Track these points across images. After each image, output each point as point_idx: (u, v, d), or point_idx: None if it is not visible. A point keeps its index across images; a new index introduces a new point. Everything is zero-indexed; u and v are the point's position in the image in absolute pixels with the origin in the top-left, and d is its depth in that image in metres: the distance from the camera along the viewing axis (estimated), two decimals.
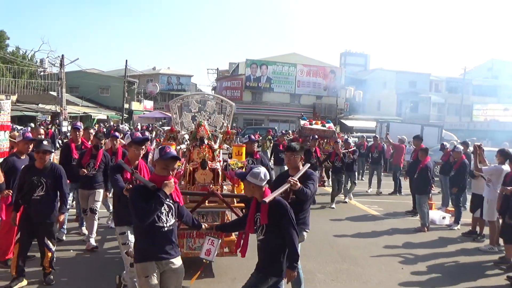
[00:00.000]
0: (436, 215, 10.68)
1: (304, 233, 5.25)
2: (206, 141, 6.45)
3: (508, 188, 6.84)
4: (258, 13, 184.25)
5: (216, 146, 6.74)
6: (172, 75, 61.90)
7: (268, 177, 4.26)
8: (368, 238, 9.03)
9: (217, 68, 59.62)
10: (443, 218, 10.65)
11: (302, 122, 15.32)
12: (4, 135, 7.72)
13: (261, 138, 22.32)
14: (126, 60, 52.07)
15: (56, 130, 27.11)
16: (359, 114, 49.07)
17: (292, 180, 4.65)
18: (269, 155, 16.64)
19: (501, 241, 7.98)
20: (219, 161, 6.48)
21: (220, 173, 6.20)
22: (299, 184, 4.72)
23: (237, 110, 49.73)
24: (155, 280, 3.91)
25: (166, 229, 3.97)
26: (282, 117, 49.28)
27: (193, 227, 4.67)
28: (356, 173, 14.37)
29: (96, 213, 7.29)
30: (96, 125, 31.68)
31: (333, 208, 11.73)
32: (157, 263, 3.94)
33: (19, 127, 17.14)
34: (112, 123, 38.60)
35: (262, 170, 4.24)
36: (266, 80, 50.91)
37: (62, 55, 33.13)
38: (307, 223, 5.27)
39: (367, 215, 11.42)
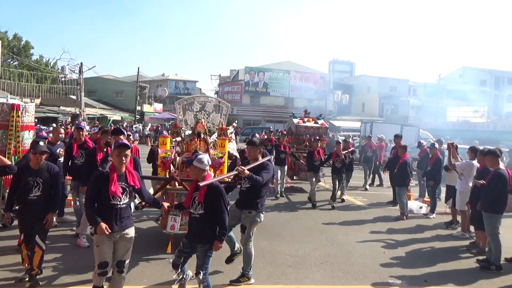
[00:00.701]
0: (414, 205, 10.71)
1: (262, 215, 5.51)
2: (202, 135, 7.00)
3: (480, 181, 6.84)
4: (256, 26, 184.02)
5: (210, 140, 7.12)
6: (179, 80, 61.77)
7: (210, 163, 4.74)
8: (353, 225, 9.04)
9: (220, 74, 59.41)
10: (420, 207, 10.68)
11: (295, 120, 14.00)
12: (28, 134, 7.70)
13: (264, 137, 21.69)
14: (138, 67, 52.12)
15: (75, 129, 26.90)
16: (346, 115, 49.12)
17: (239, 169, 5.00)
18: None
19: (472, 228, 7.99)
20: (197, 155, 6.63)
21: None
22: (246, 172, 4.99)
23: (237, 111, 49.93)
24: (105, 248, 4.22)
25: (119, 206, 4.26)
26: (277, 118, 49.22)
27: (153, 205, 4.90)
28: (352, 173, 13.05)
29: None
30: (112, 125, 31.55)
31: (334, 207, 10.66)
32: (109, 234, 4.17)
33: (42, 127, 17.08)
34: (125, 123, 38.48)
35: (205, 156, 4.61)
36: (263, 85, 50.85)
37: (81, 63, 33.05)
38: (263, 206, 5.53)
39: (353, 205, 11.42)
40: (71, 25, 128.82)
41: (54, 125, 23.41)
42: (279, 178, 11.84)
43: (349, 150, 11.81)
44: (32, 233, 5.00)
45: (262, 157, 5.58)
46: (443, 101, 51.72)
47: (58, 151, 7.47)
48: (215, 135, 7.38)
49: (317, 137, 12.25)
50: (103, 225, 4.10)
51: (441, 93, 51.87)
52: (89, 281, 5.19)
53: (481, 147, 8.90)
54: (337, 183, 11.03)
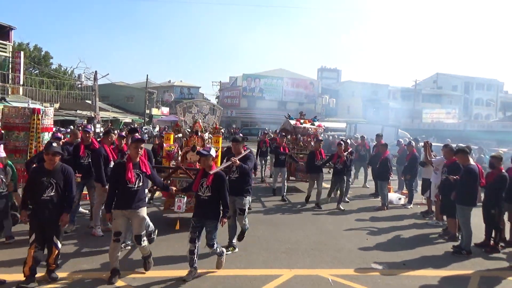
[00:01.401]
0: (393, 197, 10.71)
1: (249, 197, 6.12)
2: (199, 133, 7.60)
3: (454, 177, 6.85)
4: (253, 37, 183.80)
5: (206, 137, 7.70)
6: (184, 86, 61.42)
7: (214, 153, 5.31)
8: (340, 215, 9.04)
9: (220, 81, 59.27)
10: (399, 199, 10.68)
11: (292, 121, 12.70)
12: (48, 136, 7.65)
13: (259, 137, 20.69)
14: (147, 75, 52.00)
15: None
16: (333, 117, 49.07)
17: (232, 159, 5.68)
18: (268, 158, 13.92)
19: (445, 216, 8.00)
20: (208, 147, 7.08)
21: None
22: (238, 162, 5.71)
23: (235, 114, 49.90)
24: (119, 222, 4.77)
25: (133, 189, 4.77)
26: (272, 120, 49.21)
27: (163, 189, 5.51)
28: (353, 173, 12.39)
29: None
30: (124, 127, 31.43)
31: (343, 209, 9.45)
32: (122, 211, 4.77)
33: (62, 129, 16.97)
34: (135, 125, 38.33)
35: (213, 150, 5.30)
36: (259, 90, 50.84)
37: (96, 71, 32.79)
38: (250, 191, 6.12)
39: None
40: (87, 37, 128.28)
41: (72, 127, 23.27)
42: (278, 179, 10.81)
43: (349, 151, 10.43)
44: (48, 235, 4.62)
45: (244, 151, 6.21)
46: (419, 104, 51.84)
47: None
48: (207, 134, 7.92)
49: (319, 138, 10.83)
50: (108, 215, 4.84)
51: (417, 97, 51.97)
52: (104, 268, 5.17)
53: (453, 145, 8.94)
54: (336, 184, 9.95)
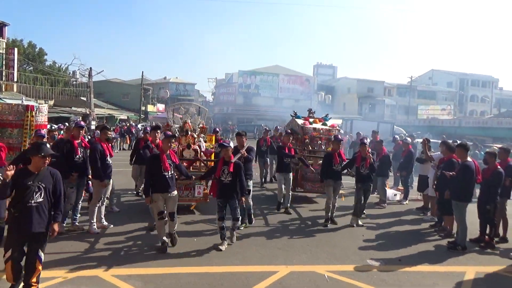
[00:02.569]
0: (389, 193, 10.71)
1: (251, 182, 7.37)
2: (189, 132, 8.40)
3: (450, 173, 6.86)
4: (248, 34, 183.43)
5: (195, 135, 8.58)
6: (179, 83, 61.13)
7: (232, 146, 6.58)
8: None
9: (216, 78, 59.35)
10: (395, 195, 10.70)
11: (299, 121, 10.56)
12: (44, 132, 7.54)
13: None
14: (142, 72, 51.43)
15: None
16: (329, 114, 49.10)
17: (242, 151, 6.70)
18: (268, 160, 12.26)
19: None
20: (198, 145, 8.16)
21: (198, 150, 8.17)
22: (245, 153, 6.81)
23: (231, 111, 49.88)
24: (160, 203, 5.72)
25: (167, 176, 5.76)
26: (268, 116, 49.24)
27: (187, 177, 6.59)
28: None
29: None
30: (129, 124, 31.25)
31: (362, 225, 7.75)
32: (161, 194, 5.73)
33: (54, 126, 16.81)
34: (131, 122, 38.15)
35: (231, 142, 6.64)
36: (255, 87, 50.85)
37: (90, 68, 32.57)
38: (252, 175, 7.47)
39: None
40: (81, 33, 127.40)
41: (67, 124, 23.10)
42: (283, 189, 8.70)
43: (369, 151, 8.18)
44: (32, 247, 4.03)
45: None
46: (414, 100, 52.05)
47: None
48: (197, 131, 8.84)
49: (339, 136, 8.65)
50: (148, 198, 5.73)
51: (413, 93, 52.16)
52: (101, 265, 5.15)
53: (450, 141, 8.96)
54: (362, 194, 7.86)
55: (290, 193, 8.75)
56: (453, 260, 6.10)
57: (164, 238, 5.79)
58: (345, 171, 8.27)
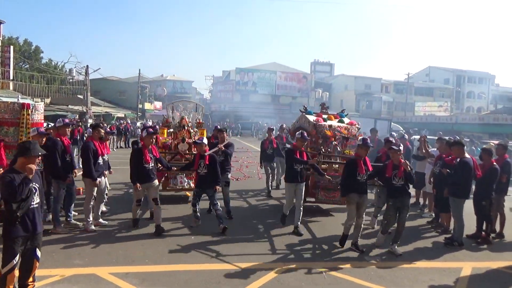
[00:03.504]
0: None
1: (229, 173, 8.08)
2: (186, 127, 9.23)
3: (445, 170, 6.87)
4: (246, 31, 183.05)
5: (191, 130, 9.30)
6: (176, 81, 60.99)
7: (206, 141, 7.15)
8: (334, 208, 8.91)
9: (213, 75, 59.23)
10: None
11: (310, 117, 8.74)
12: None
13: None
14: (139, 69, 51.51)
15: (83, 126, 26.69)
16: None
17: (219, 146, 7.53)
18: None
19: None
20: (201, 138, 8.29)
21: (192, 144, 8.65)
22: (223, 148, 7.56)
23: (228, 108, 49.76)
24: (140, 192, 6.63)
25: (148, 168, 6.54)
26: (265, 114, 49.24)
27: (167, 169, 7.45)
28: None
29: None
30: (116, 123, 31.19)
31: (399, 254, 6.02)
32: (143, 184, 6.50)
33: (51, 124, 16.73)
34: (129, 120, 38.05)
35: (205, 139, 7.13)
36: (252, 84, 50.73)
37: (87, 66, 32.44)
38: (230, 169, 8.28)
39: None
40: (78, 31, 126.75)
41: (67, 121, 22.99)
42: (294, 201, 7.06)
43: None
44: (31, 246, 3.93)
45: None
46: (411, 97, 52.12)
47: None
48: (194, 126, 9.57)
49: (366, 140, 6.40)
50: (138, 185, 6.45)
51: (410, 90, 52.20)
52: (98, 263, 5.14)
53: (446, 138, 8.95)
54: (395, 212, 6.16)
55: (301, 209, 7.04)
56: (450, 256, 6.12)
57: (137, 217, 6.94)
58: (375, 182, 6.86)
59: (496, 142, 11.27)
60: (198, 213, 6.89)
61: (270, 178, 10.52)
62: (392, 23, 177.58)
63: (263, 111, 49.20)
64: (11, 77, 28.18)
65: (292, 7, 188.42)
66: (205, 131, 9.37)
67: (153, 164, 6.57)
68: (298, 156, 6.94)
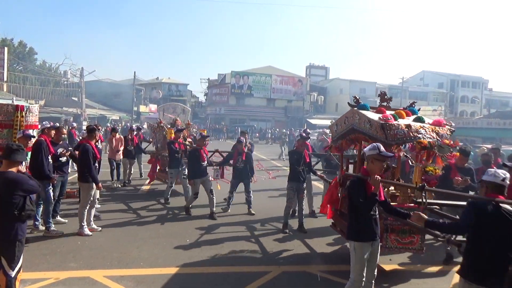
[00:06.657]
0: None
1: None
2: (185, 128, 10.32)
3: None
4: (241, 35, 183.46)
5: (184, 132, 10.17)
6: (172, 83, 60.79)
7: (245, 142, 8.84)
8: None
9: (208, 78, 59.01)
10: None
11: (371, 115, 5.25)
12: (32, 133, 7.47)
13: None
14: (135, 72, 51.14)
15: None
16: (321, 114, 49.41)
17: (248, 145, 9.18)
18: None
19: None
20: (242, 138, 9.05)
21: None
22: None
23: (224, 111, 49.72)
24: (197, 186, 7.81)
25: (204, 165, 7.94)
26: (260, 117, 49.26)
27: (209, 165, 8.64)
28: None
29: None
30: (109, 125, 31.04)
31: None
32: (200, 179, 7.81)
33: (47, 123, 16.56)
34: (123, 122, 37.92)
35: (243, 139, 8.75)
36: (247, 87, 50.72)
37: (82, 68, 32.43)
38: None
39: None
40: (73, 33, 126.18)
41: (58, 124, 22.88)
42: (295, 203, 7.26)
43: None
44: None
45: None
46: (406, 101, 52.40)
47: (60, 150, 7.07)
48: (185, 128, 10.49)
49: (467, 148, 5.57)
50: (191, 181, 7.88)
51: (404, 94, 52.53)
52: (93, 266, 5.12)
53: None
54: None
55: (303, 207, 7.25)
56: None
57: (188, 205, 8.07)
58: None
59: (489, 146, 11.38)
60: (231, 201, 8.45)
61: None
62: (386, 27, 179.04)
63: (259, 115, 49.26)
64: (5, 79, 28.00)
65: (288, 12, 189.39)
66: (205, 131, 11.09)
67: (207, 162, 8.00)
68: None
